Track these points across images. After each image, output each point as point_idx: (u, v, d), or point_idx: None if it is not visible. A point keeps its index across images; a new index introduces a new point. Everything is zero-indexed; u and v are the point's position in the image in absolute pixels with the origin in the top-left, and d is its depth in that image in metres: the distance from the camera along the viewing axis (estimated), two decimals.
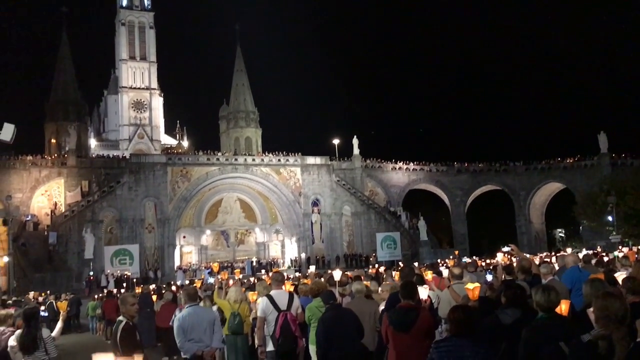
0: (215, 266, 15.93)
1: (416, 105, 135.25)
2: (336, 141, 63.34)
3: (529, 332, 4.74)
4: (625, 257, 11.17)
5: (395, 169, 63.38)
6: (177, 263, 53.76)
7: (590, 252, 19.76)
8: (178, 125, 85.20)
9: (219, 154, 58.83)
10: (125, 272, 42.85)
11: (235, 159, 56.26)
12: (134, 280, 39.16)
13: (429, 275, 10.26)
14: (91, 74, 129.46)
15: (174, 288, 20.34)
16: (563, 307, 5.04)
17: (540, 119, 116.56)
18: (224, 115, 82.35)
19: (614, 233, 42.30)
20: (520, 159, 64.92)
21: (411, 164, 64.12)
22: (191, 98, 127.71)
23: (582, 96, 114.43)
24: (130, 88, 74.60)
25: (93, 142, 76.60)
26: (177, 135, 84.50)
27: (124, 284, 37.57)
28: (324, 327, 7.15)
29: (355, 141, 60.63)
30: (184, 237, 57.21)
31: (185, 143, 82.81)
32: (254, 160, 56.86)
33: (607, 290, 4.94)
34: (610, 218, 45.16)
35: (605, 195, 45.38)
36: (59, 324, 8.40)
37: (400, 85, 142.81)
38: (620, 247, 28.74)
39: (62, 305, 9.14)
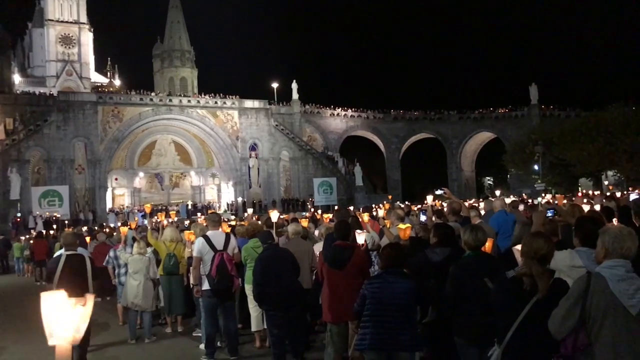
0: (148, 207, 15.66)
1: (356, 52, 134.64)
2: (275, 85, 62.63)
3: (456, 268, 4.97)
4: (547, 202, 11.77)
5: (334, 115, 63.50)
6: (109, 205, 52.60)
7: (519, 199, 20.69)
8: (109, 63, 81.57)
9: (153, 94, 57.10)
10: (55, 214, 41.55)
11: (170, 100, 54.69)
12: (65, 221, 38.12)
13: (365, 217, 10.49)
14: (13, 4, 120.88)
15: (106, 230, 19.99)
16: (487, 245, 5.29)
17: (475, 70, 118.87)
18: (158, 54, 79.31)
19: (539, 181, 44.40)
20: (454, 108, 66.44)
21: (349, 110, 64.41)
22: (123, 34, 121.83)
23: (515, 49, 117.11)
24: (57, 21, 70.37)
25: (17, 78, 72.28)
26: (108, 74, 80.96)
27: (54, 226, 36.47)
28: (261, 266, 7.25)
29: (294, 86, 60.08)
30: (116, 179, 55.79)
31: (117, 82, 79.53)
32: (189, 101, 55.44)
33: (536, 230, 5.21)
34: (536, 167, 47.26)
35: (533, 145, 47.30)
36: None
37: (340, 30, 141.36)
38: (544, 194, 30.28)
39: None
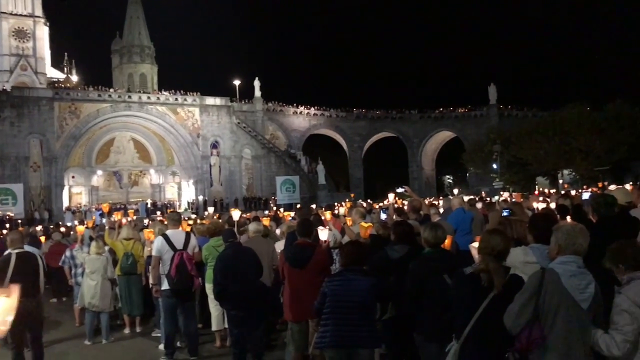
0: (105, 207, 15.34)
1: (319, 51, 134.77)
2: (237, 82, 62.04)
3: (416, 265, 5.02)
4: (504, 200, 12.01)
5: (297, 113, 63.46)
6: (65, 204, 51.37)
7: (476, 197, 21.04)
8: (66, 58, 79.37)
9: (111, 90, 55.98)
10: (8, 213, 40.31)
11: (129, 96, 53.76)
12: (18, 221, 37.03)
13: (328, 215, 10.51)
14: None
15: (62, 229, 19.51)
16: (446, 242, 5.37)
17: (436, 70, 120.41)
18: (116, 50, 77.69)
19: (497, 180, 45.32)
20: (415, 108, 67.19)
21: (312, 108, 64.46)
22: (81, 29, 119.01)
23: (474, 49, 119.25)
24: (11, 14, 68.03)
25: None
26: (65, 69, 78.85)
27: (7, 225, 35.37)
28: (221, 264, 7.20)
29: (256, 83, 59.71)
30: (73, 177, 54.51)
31: (74, 77, 77.50)
32: (149, 98, 54.59)
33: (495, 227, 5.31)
34: (495, 165, 48.23)
35: (492, 144, 48.26)
36: None
37: (303, 28, 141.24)
38: (502, 192, 30.91)
39: None
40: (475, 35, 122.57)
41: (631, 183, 18.86)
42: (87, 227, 13.07)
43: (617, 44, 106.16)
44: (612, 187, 14.61)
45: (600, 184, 24.23)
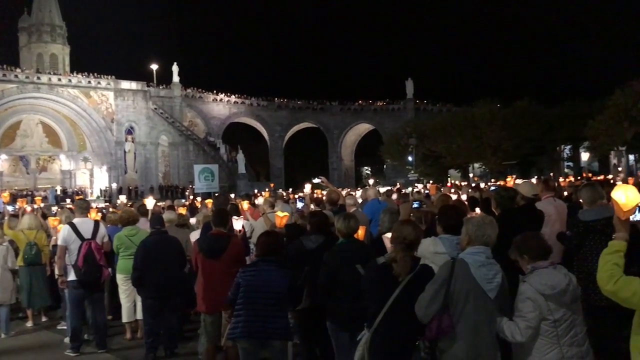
0: (6, 196, 14.45)
1: (240, 38, 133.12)
2: (154, 66, 60.23)
3: (329, 256, 5.05)
4: (418, 192, 12.36)
5: (217, 100, 62.50)
6: None
7: (393, 188, 21.55)
8: None
9: (18, 70, 52.92)
10: None
11: (38, 78, 51.12)
12: None
13: (245, 205, 10.40)
14: None
15: None
16: (359, 232, 5.44)
17: (356, 63, 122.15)
18: (24, 27, 73.09)
19: (412, 172, 46.73)
20: (336, 99, 67.96)
21: (232, 96, 63.70)
22: None
23: (392, 44, 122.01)
24: None
25: None
26: None
27: None
28: (143, 251, 7.11)
29: (175, 68, 58.33)
30: None
31: None
32: (60, 80, 52.13)
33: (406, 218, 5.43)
34: (410, 158, 49.67)
35: (408, 137, 49.65)
36: None
37: (225, 14, 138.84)
38: (416, 184, 31.90)
39: None
40: (394, 30, 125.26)
41: (536, 177, 19.93)
42: None
43: (526, 43, 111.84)
44: (519, 180, 15.38)
45: (509, 177, 25.42)
